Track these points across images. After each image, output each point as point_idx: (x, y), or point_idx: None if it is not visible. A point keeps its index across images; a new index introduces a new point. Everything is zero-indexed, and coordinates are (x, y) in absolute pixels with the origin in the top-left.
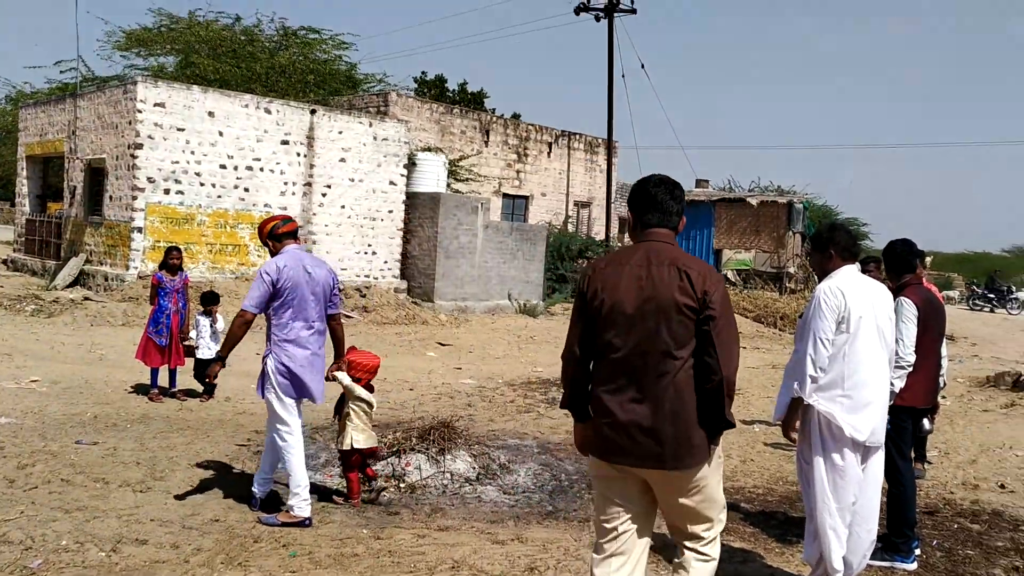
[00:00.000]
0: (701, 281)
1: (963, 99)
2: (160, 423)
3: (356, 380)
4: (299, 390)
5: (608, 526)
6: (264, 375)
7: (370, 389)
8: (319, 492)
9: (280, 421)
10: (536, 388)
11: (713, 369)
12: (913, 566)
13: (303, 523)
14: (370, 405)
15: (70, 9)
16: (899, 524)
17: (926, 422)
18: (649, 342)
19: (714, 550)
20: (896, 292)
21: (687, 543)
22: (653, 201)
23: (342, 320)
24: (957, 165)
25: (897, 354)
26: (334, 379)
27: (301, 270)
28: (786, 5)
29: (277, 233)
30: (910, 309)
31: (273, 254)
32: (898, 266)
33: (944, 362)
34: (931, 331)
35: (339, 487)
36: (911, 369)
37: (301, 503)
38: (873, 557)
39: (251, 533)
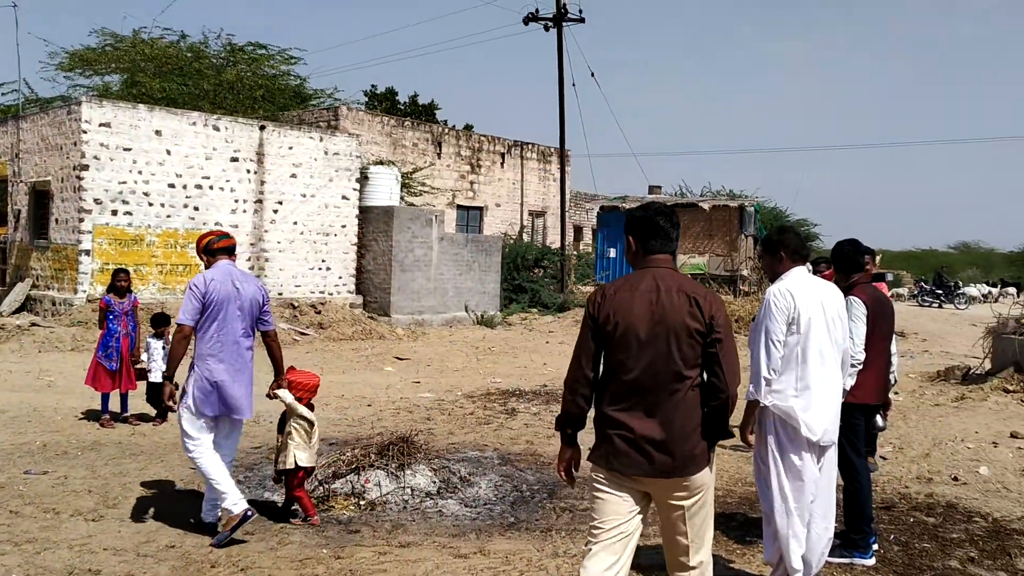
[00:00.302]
0: (708, 306)
1: (905, 100)
2: (112, 449)
3: (297, 399)
4: (222, 404)
5: (604, 527)
6: (184, 389)
7: (310, 408)
8: (272, 511)
9: (187, 435)
10: (495, 399)
11: (720, 388)
12: (871, 561)
13: (245, 516)
14: (311, 424)
15: (9, 31)
16: (856, 520)
17: (879, 419)
18: (661, 363)
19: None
20: (846, 291)
21: (680, 571)
22: (657, 229)
23: (277, 338)
24: (902, 165)
25: (849, 353)
26: (275, 397)
27: (229, 284)
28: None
29: (212, 248)
30: (860, 308)
31: (207, 268)
32: (846, 266)
33: (894, 359)
34: (880, 329)
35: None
36: (862, 367)
37: (232, 504)
38: (832, 554)
39: (208, 559)
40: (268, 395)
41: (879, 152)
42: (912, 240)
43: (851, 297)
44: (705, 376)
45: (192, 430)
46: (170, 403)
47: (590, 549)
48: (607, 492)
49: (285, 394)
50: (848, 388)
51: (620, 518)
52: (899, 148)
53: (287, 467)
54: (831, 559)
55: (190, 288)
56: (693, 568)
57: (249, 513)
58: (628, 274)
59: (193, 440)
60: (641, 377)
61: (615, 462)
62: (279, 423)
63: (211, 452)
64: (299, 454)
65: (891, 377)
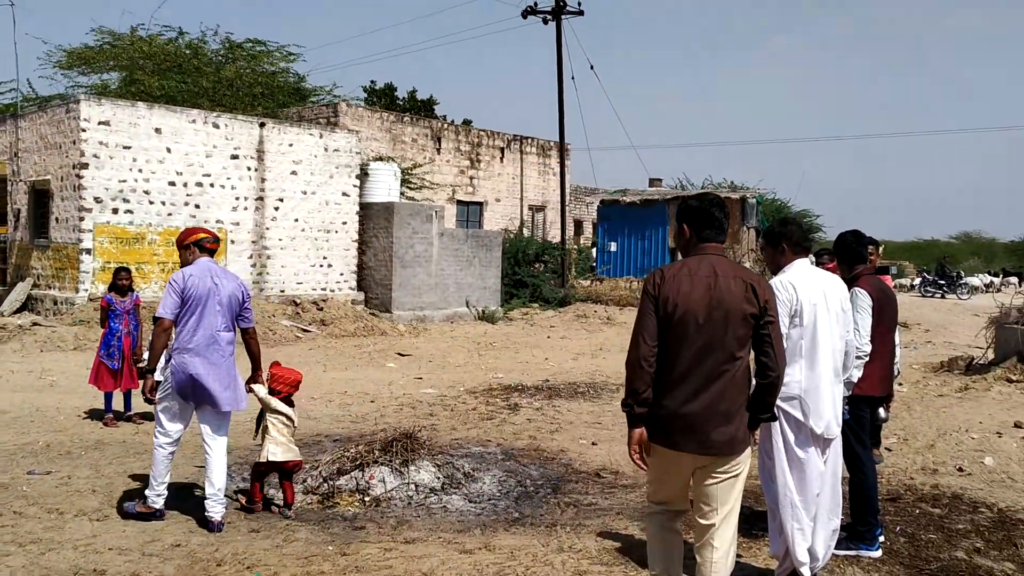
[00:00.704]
0: (763, 292)
1: (906, 90)
2: (116, 448)
3: (276, 393)
4: (198, 396)
5: (664, 498)
6: (164, 380)
7: (290, 404)
8: (280, 510)
9: (160, 425)
10: (497, 395)
11: (770, 367)
12: (878, 553)
13: (155, 514)
14: (290, 419)
15: (7, 30)
16: (862, 512)
17: (882, 410)
18: (716, 345)
19: (723, 541)
20: (850, 283)
21: (705, 522)
22: (712, 219)
23: (256, 335)
24: (904, 155)
25: (855, 345)
26: (251, 392)
27: (208, 280)
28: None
29: (205, 247)
30: (865, 299)
31: (184, 264)
32: (850, 257)
33: (898, 350)
34: (885, 320)
35: (275, 500)
36: (868, 359)
37: (156, 497)
38: (838, 547)
39: (213, 557)
40: (245, 388)
41: (881, 143)
42: (914, 231)
43: (856, 289)
44: (755, 356)
45: (165, 420)
46: (151, 395)
47: (655, 520)
48: (664, 466)
49: (259, 389)
50: (855, 380)
51: (676, 488)
52: (900, 139)
53: (259, 460)
54: (837, 552)
55: (170, 283)
56: (713, 524)
57: (159, 514)
58: (684, 260)
59: (163, 431)
60: (697, 358)
61: (672, 439)
62: (256, 418)
63: (172, 448)
64: (272, 448)
65: (895, 369)
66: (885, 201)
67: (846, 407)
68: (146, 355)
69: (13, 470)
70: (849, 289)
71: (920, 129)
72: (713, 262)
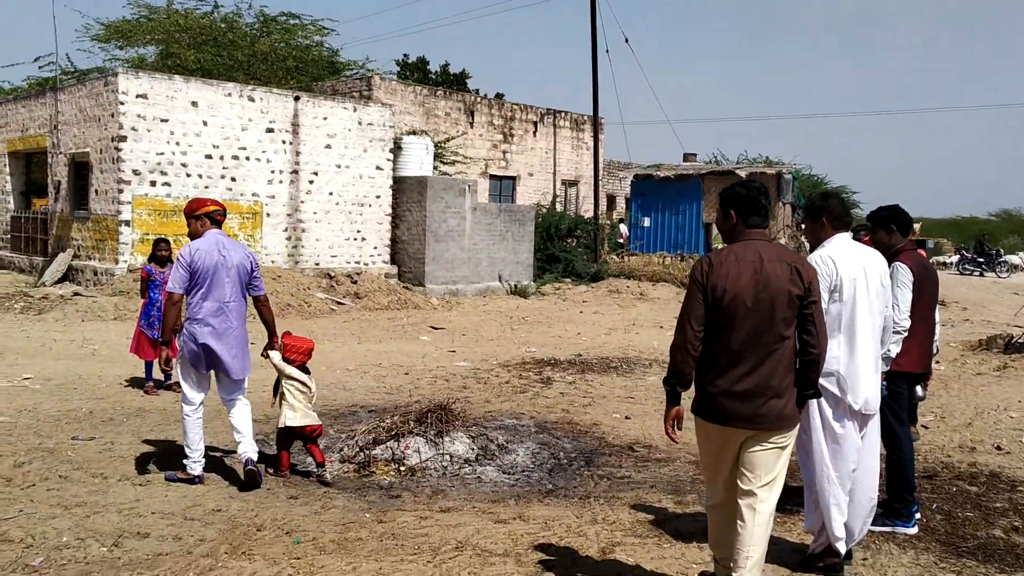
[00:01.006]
0: (806, 273)
1: (946, 64)
2: (157, 416)
3: (290, 361)
4: (209, 363)
5: (716, 469)
6: (180, 351)
7: (305, 371)
8: (301, 475)
9: (185, 399)
10: (530, 369)
11: (813, 344)
12: (914, 530)
13: (193, 480)
14: (305, 385)
15: (46, 5)
16: (899, 489)
17: (919, 388)
18: (764, 326)
19: (764, 509)
20: (891, 258)
21: (747, 499)
22: (758, 206)
23: (268, 303)
24: (943, 131)
25: (893, 320)
26: (266, 358)
27: (215, 253)
28: None
29: (216, 218)
30: (906, 274)
31: (193, 235)
32: (888, 225)
33: (937, 328)
34: (925, 296)
35: (307, 467)
36: (906, 334)
37: (193, 464)
38: (874, 523)
39: (254, 522)
40: (262, 355)
41: (919, 118)
42: (953, 208)
43: (897, 263)
44: (797, 335)
45: (187, 389)
46: (167, 368)
47: (712, 497)
48: (715, 442)
49: (274, 356)
50: (893, 356)
51: (725, 463)
52: (939, 113)
53: (278, 426)
54: (873, 527)
55: (178, 258)
56: (755, 491)
57: (198, 480)
58: (730, 246)
59: (187, 400)
60: (747, 339)
61: (722, 416)
62: (273, 385)
63: (199, 414)
64: (289, 414)
65: (934, 346)
66: (923, 178)
67: (884, 383)
68: None
69: (58, 435)
70: (890, 264)
71: (961, 104)
72: (758, 247)
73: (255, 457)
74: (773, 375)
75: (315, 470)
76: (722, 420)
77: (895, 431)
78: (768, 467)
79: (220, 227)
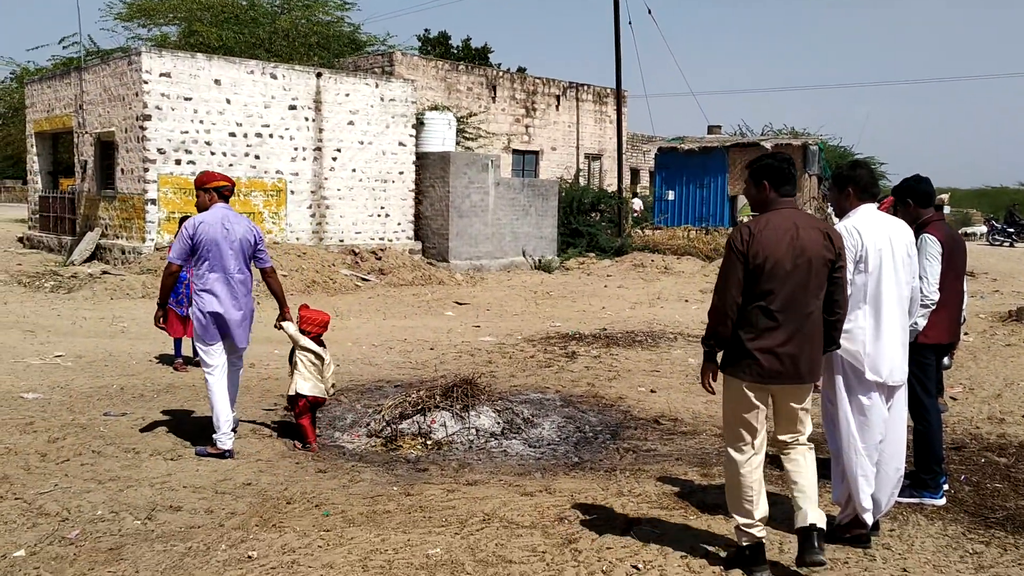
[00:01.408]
0: (836, 239)
1: (974, 31)
2: (186, 392)
3: (306, 333)
4: (220, 329)
5: (751, 427)
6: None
7: (320, 344)
8: (345, 451)
9: (204, 363)
10: (555, 343)
11: (839, 304)
12: (942, 501)
13: (223, 455)
14: (319, 357)
15: None
16: (926, 460)
17: (946, 358)
18: (800, 290)
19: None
20: (918, 229)
21: (790, 438)
22: (788, 176)
23: (275, 274)
24: (972, 99)
25: (921, 291)
26: (280, 328)
27: (219, 227)
28: None
29: (224, 193)
30: (935, 246)
31: (201, 207)
32: (916, 198)
33: (965, 297)
34: (954, 267)
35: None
36: (934, 307)
37: (223, 437)
38: (901, 494)
39: (283, 495)
40: (275, 326)
41: (948, 86)
42: (982, 177)
43: (925, 235)
44: (827, 296)
45: (206, 357)
46: (159, 323)
47: (743, 452)
48: (750, 399)
49: (288, 326)
50: (921, 328)
51: (758, 418)
52: (968, 82)
53: (289, 394)
54: (901, 499)
55: (182, 231)
56: (801, 441)
57: (228, 455)
58: (766, 215)
59: (208, 367)
60: (786, 302)
61: (763, 375)
62: (288, 355)
63: (222, 382)
64: (300, 383)
65: (961, 316)
66: (952, 147)
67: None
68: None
69: (90, 412)
70: (917, 236)
71: (989, 72)
72: (792, 215)
73: (230, 445)
74: (811, 335)
75: (308, 446)
76: (763, 379)
77: (923, 402)
78: (803, 417)
79: (227, 202)
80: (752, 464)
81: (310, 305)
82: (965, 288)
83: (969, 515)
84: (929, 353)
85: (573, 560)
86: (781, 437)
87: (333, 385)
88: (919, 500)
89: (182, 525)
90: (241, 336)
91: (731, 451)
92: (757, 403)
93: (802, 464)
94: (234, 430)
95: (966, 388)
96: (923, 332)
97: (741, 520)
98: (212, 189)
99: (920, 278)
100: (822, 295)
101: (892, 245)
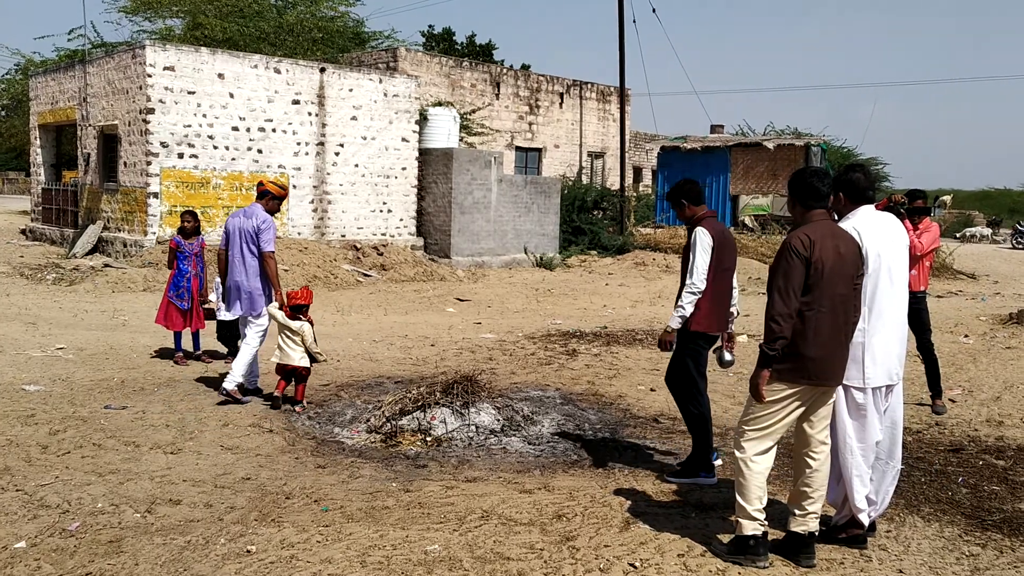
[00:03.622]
0: (863, 251)
1: (978, 34)
2: (187, 385)
3: (302, 308)
4: (238, 300)
5: (785, 427)
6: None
7: (297, 319)
8: (344, 447)
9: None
10: (556, 341)
11: (856, 309)
12: (714, 480)
13: (240, 401)
14: (295, 332)
15: None
16: (705, 443)
17: (727, 353)
18: (845, 295)
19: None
20: (693, 224)
21: (824, 436)
22: (819, 192)
23: (270, 259)
24: (976, 101)
25: (691, 279)
26: (268, 313)
27: (238, 219)
28: None
29: (259, 190)
30: (706, 239)
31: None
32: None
33: (735, 293)
34: (723, 263)
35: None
36: (702, 296)
37: (229, 381)
38: (676, 477)
39: (283, 490)
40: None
41: (951, 88)
42: (985, 179)
43: (698, 228)
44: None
45: (243, 328)
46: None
47: (765, 451)
48: (789, 400)
49: (272, 309)
50: (688, 314)
51: (790, 418)
52: (973, 84)
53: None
54: (671, 479)
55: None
56: (824, 440)
57: (244, 402)
58: (814, 224)
59: (252, 329)
60: (834, 307)
61: (813, 376)
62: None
63: (255, 344)
64: (278, 353)
65: (732, 311)
66: (956, 149)
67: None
68: (212, 297)
69: (91, 404)
70: (691, 231)
71: (993, 74)
72: (832, 227)
73: (228, 387)
74: (849, 338)
75: (292, 405)
76: (810, 380)
77: (696, 386)
78: (827, 411)
79: (259, 199)
80: (771, 459)
81: (315, 295)
82: (735, 283)
83: (966, 517)
84: (702, 340)
85: (571, 557)
86: (819, 437)
87: (319, 352)
88: (693, 480)
89: (181, 519)
90: (237, 307)
91: (755, 449)
92: (803, 404)
93: (826, 465)
94: (226, 390)
95: (965, 390)
96: (694, 320)
97: (752, 510)
98: (277, 200)
99: (689, 268)
100: (857, 302)
101: (890, 246)
